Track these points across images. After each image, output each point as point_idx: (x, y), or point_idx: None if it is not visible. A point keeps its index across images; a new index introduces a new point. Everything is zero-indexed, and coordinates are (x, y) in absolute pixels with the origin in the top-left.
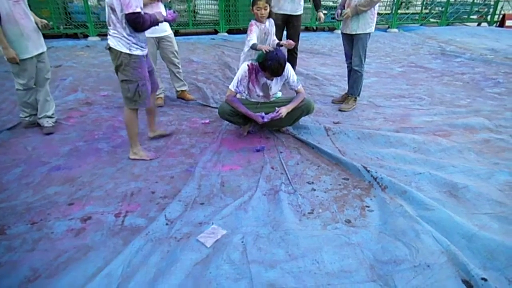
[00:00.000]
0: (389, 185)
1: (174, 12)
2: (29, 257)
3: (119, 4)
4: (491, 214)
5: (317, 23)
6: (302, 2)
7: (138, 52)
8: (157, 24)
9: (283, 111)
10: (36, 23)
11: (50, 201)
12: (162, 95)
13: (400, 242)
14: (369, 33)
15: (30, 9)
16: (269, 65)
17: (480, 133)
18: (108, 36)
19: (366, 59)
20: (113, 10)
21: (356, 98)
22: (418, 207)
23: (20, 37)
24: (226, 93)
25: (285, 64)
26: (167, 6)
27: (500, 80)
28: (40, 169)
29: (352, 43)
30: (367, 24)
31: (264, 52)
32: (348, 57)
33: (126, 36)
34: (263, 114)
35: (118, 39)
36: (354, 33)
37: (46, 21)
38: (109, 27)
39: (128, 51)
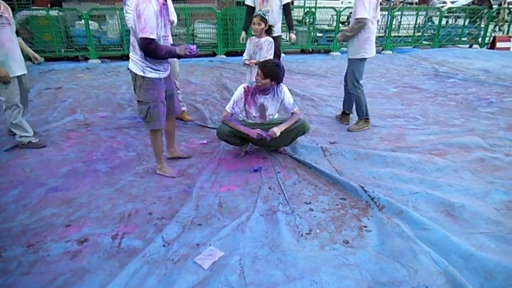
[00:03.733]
0: (386, 205)
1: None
2: (24, 280)
3: (136, 27)
4: (488, 234)
5: (289, 43)
6: (279, 25)
7: (152, 75)
8: (176, 57)
9: (275, 130)
10: (28, 55)
11: (47, 223)
12: None
13: (398, 263)
14: (361, 59)
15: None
16: (262, 63)
17: (475, 152)
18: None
19: (361, 80)
20: (134, 32)
21: (366, 119)
22: (416, 227)
23: (5, 58)
24: (222, 114)
25: (276, 65)
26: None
27: (493, 100)
28: (37, 191)
29: None
30: (356, 50)
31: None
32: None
33: (141, 59)
34: (258, 130)
35: (134, 62)
36: (348, 56)
37: (37, 56)
38: (130, 49)
39: (142, 74)
